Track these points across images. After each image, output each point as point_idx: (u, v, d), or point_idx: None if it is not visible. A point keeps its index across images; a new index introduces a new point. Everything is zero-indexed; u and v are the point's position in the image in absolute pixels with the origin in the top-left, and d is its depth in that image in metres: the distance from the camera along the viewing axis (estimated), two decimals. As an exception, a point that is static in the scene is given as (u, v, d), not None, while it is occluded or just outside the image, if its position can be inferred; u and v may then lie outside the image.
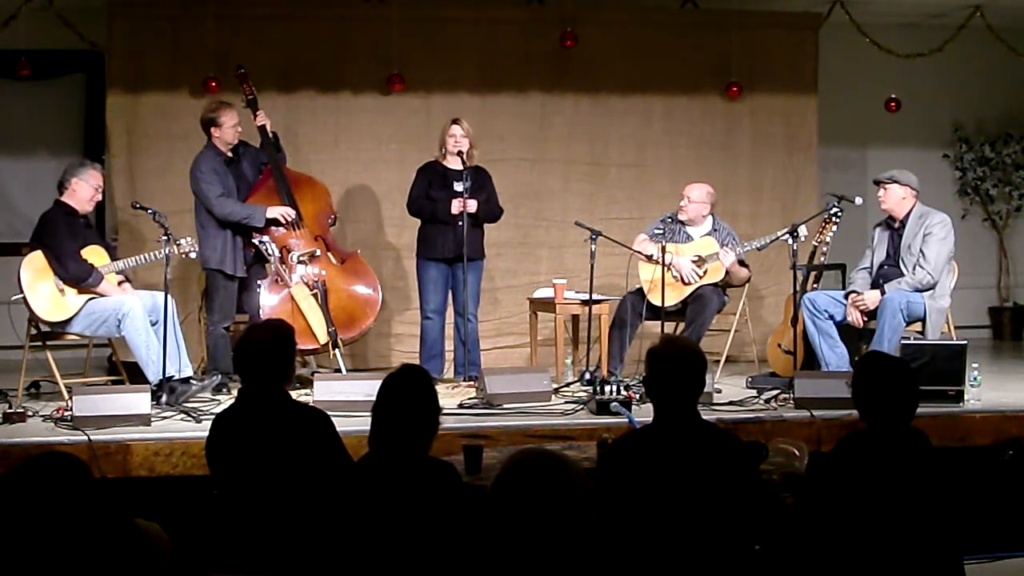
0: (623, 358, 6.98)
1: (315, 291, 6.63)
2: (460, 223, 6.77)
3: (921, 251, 6.51)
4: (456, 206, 6.76)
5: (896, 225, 6.68)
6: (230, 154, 6.72)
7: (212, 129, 6.66)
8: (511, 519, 2.44)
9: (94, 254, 6.29)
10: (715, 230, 7.14)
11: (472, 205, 6.76)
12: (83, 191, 6.28)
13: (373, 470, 3.26)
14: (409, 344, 7.89)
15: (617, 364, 6.91)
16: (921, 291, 6.45)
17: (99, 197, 6.39)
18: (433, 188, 6.91)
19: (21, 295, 6.15)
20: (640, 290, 7.05)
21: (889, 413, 3.56)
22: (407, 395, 3.32)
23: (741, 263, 7.11)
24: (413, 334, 7.94)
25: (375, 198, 7.97)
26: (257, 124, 6.83)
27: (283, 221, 6.67)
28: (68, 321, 6.21)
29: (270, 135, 6.85)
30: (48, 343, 6.29)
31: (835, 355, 6.51)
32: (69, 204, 6.28)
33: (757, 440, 4.61)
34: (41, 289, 6.15)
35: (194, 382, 6.16)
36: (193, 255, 6.44)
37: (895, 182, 6.64)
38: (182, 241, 6.36)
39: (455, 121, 6.95)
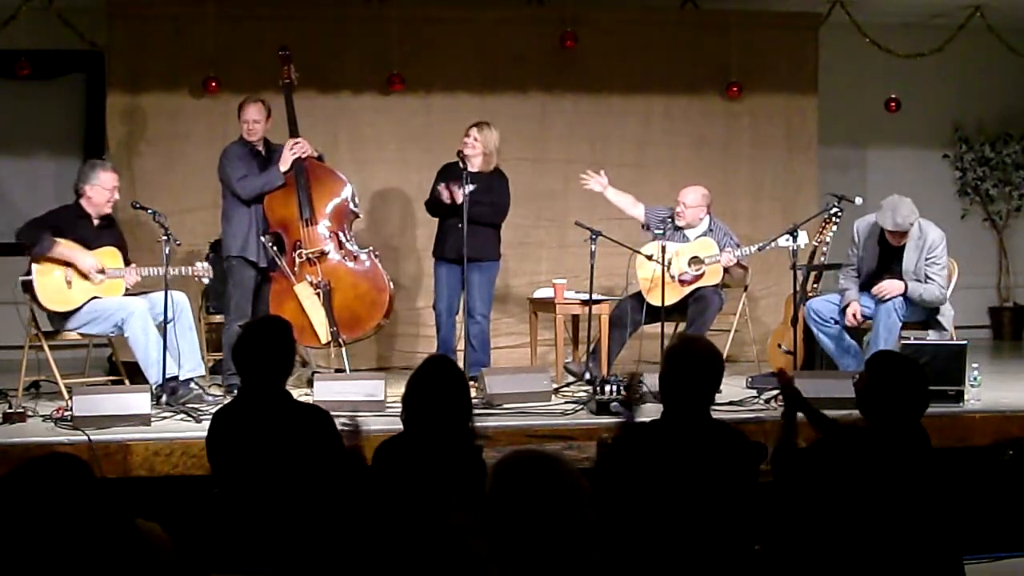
0: (617, 353, 6.99)
1: (318, 291, 6.62)
2: (460, 224, 6.78)
3: (928, 276, 6.43)
4: (444, 193, 6.75)
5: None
6: (260, 148, 6.73)
7: (239, 121, 6.72)
8: (505, 522, 2.43)
9: (108, 256, 6.26)
10: (711, 230, 7.12)
11: (459, 195, 6.68)
12: (98, 195, 6.26)
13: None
14: (410, 344, 7.88)
15: (611, 362, 6.92)
16: (926, 305, 6.44)
17: (116, 197, 6.35)
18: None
19: (29, 277, 6.12)
20: (638, 294, 7.04)
21: (897, 412, 3.58)
22: (436, 385, 3.64)
23: (738, 264, 7.10)
24: (414, 334, 7.93)
25: (375, 198, 7.97)
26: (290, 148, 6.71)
27: (302, 156, 6.68)
28: (69, 316, 6.18)
29: (316, 155, 6.83)
30: (48, 343, 6.27)
31: (851, 356, 6.49)
32: (84, 208, 6.28)
33: (757, 440, 4.61)
34: (49, 277, 6.13)
35: (195, 386, 6.13)
36: (206, 280, 6.55)
37: (905, 232, 6.42)
38: (198, 265, 6.42)
39: (475, 124, 6.93)
